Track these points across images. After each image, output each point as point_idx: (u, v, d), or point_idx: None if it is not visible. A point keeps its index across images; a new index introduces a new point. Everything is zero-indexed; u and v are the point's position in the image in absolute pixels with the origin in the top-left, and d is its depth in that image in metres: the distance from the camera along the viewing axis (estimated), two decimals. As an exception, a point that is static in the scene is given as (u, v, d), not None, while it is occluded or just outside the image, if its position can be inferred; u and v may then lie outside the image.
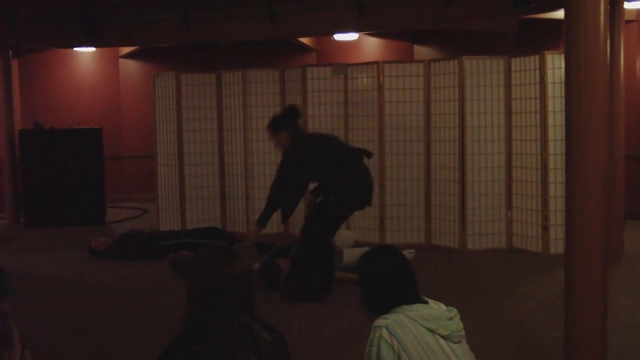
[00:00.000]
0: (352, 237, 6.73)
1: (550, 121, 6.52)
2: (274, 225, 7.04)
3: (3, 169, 9.45)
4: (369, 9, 7.81)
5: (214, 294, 2.33)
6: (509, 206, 6.93)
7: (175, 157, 8.20)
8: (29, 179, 9.13)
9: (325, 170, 5.43)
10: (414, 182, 7.21)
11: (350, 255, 6.08)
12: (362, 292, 2.64)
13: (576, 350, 3.45)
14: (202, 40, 9.10)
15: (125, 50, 11.16)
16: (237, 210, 8.07)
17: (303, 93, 7.57)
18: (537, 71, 6.59)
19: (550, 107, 6.52)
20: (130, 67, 11.41)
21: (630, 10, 8.06)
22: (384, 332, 2.41)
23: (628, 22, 7.83)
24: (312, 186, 5.67)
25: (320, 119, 7.54)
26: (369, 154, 5.62)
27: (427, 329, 2.44)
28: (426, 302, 2.56)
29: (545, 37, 9.41)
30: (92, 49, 10.66)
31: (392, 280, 2.56)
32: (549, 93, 6.52)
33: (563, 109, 6.00)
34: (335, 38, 10.30)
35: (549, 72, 6.52)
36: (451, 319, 2.51)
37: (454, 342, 2.48)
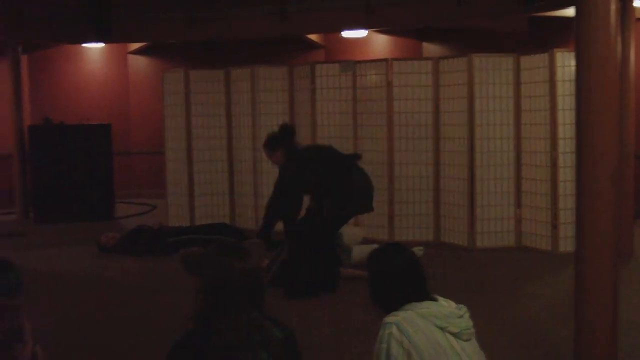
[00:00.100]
0: (360, 234, 6.74)
1: (560, 119, 6.50)
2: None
3: (12, 164, 9.49)
4: (377, 6, 7.81)
5: (223, 290, 2.33)
6: (518, 204, 6.92)
7: (184, 153, 8.21)
8: (38, 175, 9.16)
9: (326, 174, 5.52)
10: (422, 179, 7.20)
11: (360, 252, 6.09)
12: (371, 290, 2.64)
13: (586, 349, 3.45)
14: (211, 37, 9.10)
15: (134, 46, 11.17)
16: (246, 206, 8.09)
17: (312, 90, 7.57)
18: (547, 69, 6.57)
19: (559, 105, 6.50)
20: (139, 63, 11.43)
21: (641, 8, 8.02)
22: (394, 330, 2.40)
23: (639, 20, 7.79)
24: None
25: (329, 115, 7.54)
26: (358, 157, 5.83)
27: (437, 326, 2.44)
28: (436, 300, 2.55)
29: (555, 35, 9.37)
30: (100, 45, 10.68)
31: (402, 278, 2.56)
32: (559, 91, 6.50)
33: (572, 107, 6.06)
34: (344, 35, 10.28)
35: (559, 70, 6.50)
36: (461, 316, 2.51)
37: (464, 340, 2.47)
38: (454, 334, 2.45)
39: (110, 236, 7.24)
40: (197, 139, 8.19)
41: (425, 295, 2.55)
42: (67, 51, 10.95)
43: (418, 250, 6.33)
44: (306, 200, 5.80)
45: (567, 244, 6.44)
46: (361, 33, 9.97)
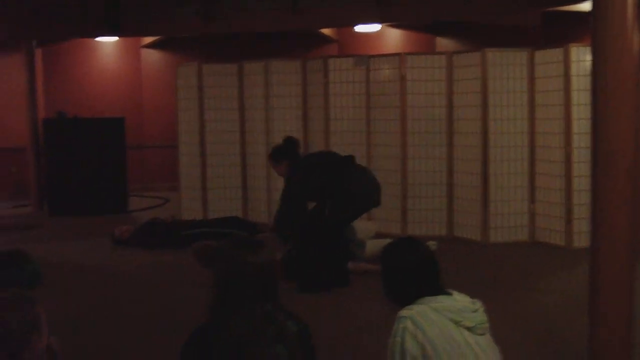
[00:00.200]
0: (373, 229, 6.74)
1: (575, 114, 6.47)
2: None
3: (27, 157, 9.54)
4: (390, 0, 7.77)
5: (236, 283, 2.33)
6: (532, 199, 6.89)
7: (197, 147, 8.22)
8: (52, 168, 9.21)
9: (330, 178, 5.59)
10: (436, 174, 7.19)
11: (373, 246, 6.09)
12: (385, 284, 2.64)
13: (601, 345, 3.43)
14: (224, 31, 9.11)
15: (147, 40, 11.20)
16: (258, 200, 8.10)
17: (325, 84, 7.56)
18: (561, 64, 6.53)
19: (574, 100, 6.47)
20: (152, 57, 11.46)
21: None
22: (408, 323, 2.40)
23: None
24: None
25: (342, 109, 7.53)
26: (353, 158, 5.97)
27: (451, 320, 2.43)
28: (450, 294, 2.55)
29: (569, 30, 9.32)
30: (114, 39, 10.71)
31: (416, 272, 2.55)
32: (574, 86, 6.46)
33: (587, 102, 6.03)
34: (357, 30, 10.26)
35: (574, 64, 6.46)
36: (475, 310, 2.50)
37: (478, 334, 2.47)
38: (468, 328, 2.45)
39: (123, 229, 7.27)
40: (210, 132, 8.20)
41: (439, 289, 2.55)
42: (81, 45, 11.00)
43: (431, 245, 6.33)
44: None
45: (581, 240, 6.41)
46: (374, 27, 9.95)
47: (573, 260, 6.12)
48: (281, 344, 2.23)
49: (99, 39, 10.56)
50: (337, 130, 7.49)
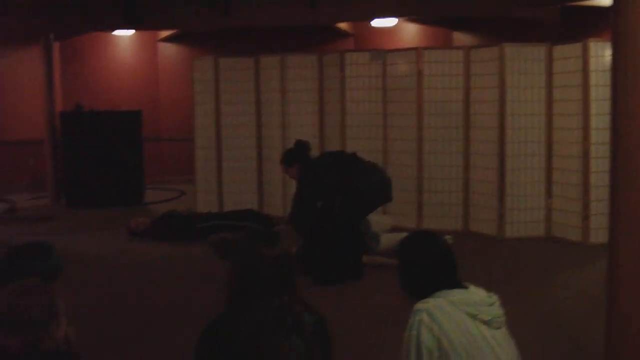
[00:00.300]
0: (389, 222, 6.74)
1: (593, 109, 6.42)
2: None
3: (44, 150, 9.61)
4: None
5: (253, 275, 2.34)
6: (549, 194, 6.86)
7: (214, 140, 8.25)
8: (69, 160, 9.27)
9: (342, 177, 5.57)
10: (452, 168, 7.17)
11: (388, 240, 6.09)
12: (402, 277, 2.64)
13: (618, 341, 3.41)
14: (241, 25, 9.12)
15: (164, 33, 11.24)
16: (274, 194, 8.11)
17: (341, 78, 7.56)
18: (580, 59, 6.49)
19: (592, 96, 6.42)
20: (169, 51, 11.50)
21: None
22: (424, 316, 2.40)
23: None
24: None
25: (358, 104, 7.52)
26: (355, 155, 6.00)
27: (467, 314, 2.43)
28: (467, 288, 2.55)
29: (588, 25, 9.25)
30: (131, 33, 10.76)
31: (433, 265, 2.55)
32: (592, 81, 6.42)
33: (605, 97, 5.98)
34: (373, 24, 10.24)
35: (592, 60, 6.42)
36: (492, 304, 2.50)
37: (494, 328, 2.46)
38: (484, 322, 2.44)
39: (140, 221, 7.31)
40: (227, 126, 8.21)
41: (456, 282, 2.55)
42: (98, 39, 11.05)
43: (448, 239, 6.31)
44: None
45: (598, 235, 6.36)
46: (391, 22, 9.93)
47: (590, 256, 6.09)
48: (298, 336, 2.24)
49: (116, 32, 10.61)
50: (353, 125, 7.49)
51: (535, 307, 4.77)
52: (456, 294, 2.49)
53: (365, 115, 7.50)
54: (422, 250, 2.61)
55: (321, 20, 8.99)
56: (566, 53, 6.66)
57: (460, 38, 11.07)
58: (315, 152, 6.47)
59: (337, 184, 5.58)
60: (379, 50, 7.64)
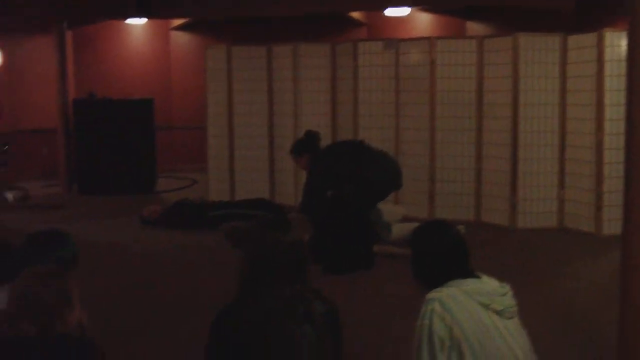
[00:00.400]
0: (400, 212, 6.73)
1: (607, 100, 6.38)
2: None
3: (57, 137, 9.65)
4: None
5: (265, 263, 2.35)
6: (562, 185, 6.83)
7: (226, 129, 8.25)
8: (82, 148, 9.31)
9: (353, 166, 5.58)
10: (464, 158, 7.14)
11: (399, 230, 6.09)
12: (414, 267, 2.64)
13: (632, 333, 3.40)
14: (254, 14, 9.10)
15: (177, 22, 11.24)
16: (285, 183, 8.11)
17: (354, 67, 7.54)
18: (595, 49, 6.43)
19: (607, 86, 6.37)
20: (181, 39, 11.50)
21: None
22: (436, 306, 2.39)
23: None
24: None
25: (371, 93, 7.50)
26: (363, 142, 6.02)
27: (480, 303, 2.43)
28: (479, 277, 2.54)
29: (603, 14, 9.18)
30: (143, 21, 10.76)
31: (445, 256, 2.55)
32: (607, 72, 6.36)
33: (620, 87, 5.95)
34: (386, 13, 10.20)
35: (607, 50, 6.36)
36: (504, 294, 2.49)
37: (507, 318, 2.46)
38: (497, 312, 2.44)
39: (152, 209, 7.34)
40: (239, 115, 8.22)
41: (468, 272, 2.54)
42: (111, 27, 11.06)
43: (461, 229, 6.30)
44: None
45: (610, 227, 6.33)
46: (404, 11, 9.88)
47: (602, 248, 6.06)
48: (309, 324, 2.25)
49: (128, 21, 10.61)
50: (366, 114, 7.47)
51: (547, 298, 4.76)
52: (469, 284, 2.48)
53: (378, 105, 7.48)
54: (434, 240, 2.61)
55: (334, 9, 8.96)
56: (581, 43, 6.61)
57: (474, 28, 11.01)
58: (327, 142, 6.47)
59: (348, 173, 5.58)
60: (392, 39, 7.61)
